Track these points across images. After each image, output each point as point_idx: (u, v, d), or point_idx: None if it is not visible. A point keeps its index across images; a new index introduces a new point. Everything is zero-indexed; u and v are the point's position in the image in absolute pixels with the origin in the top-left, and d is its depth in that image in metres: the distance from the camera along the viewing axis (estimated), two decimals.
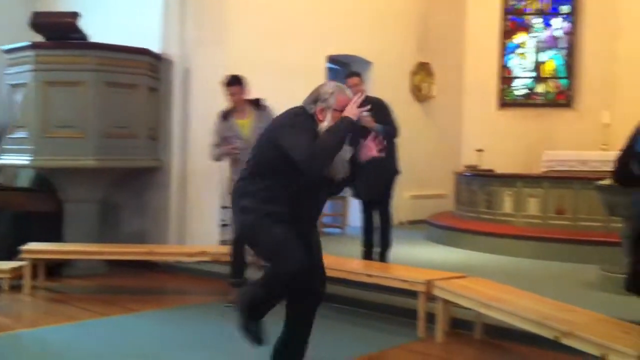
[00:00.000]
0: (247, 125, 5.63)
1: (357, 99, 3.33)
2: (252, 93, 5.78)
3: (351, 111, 3.26)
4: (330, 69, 9.75)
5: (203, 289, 6.27)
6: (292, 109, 3.45)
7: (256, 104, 5.74)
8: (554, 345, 3.70)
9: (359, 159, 3.45)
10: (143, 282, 6.52)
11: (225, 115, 5.70)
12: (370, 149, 3.43)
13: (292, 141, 3.21)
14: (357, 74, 6.38)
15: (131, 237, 7.16)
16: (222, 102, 5.81)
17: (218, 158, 5.77)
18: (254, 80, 8.01)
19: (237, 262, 5.59)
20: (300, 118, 3.32)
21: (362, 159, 3.45)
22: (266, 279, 3.30)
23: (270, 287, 3.29)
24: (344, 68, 9.85)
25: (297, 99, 3.48)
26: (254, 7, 8.14)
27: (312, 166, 3.18)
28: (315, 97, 3.37)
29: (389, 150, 5.86)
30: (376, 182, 5.71)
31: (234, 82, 5.66)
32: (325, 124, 3.31)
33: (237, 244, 5.56)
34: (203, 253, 6.07)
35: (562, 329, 3.53)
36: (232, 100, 5.68)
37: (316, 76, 9.12)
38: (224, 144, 5.62)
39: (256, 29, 8.10)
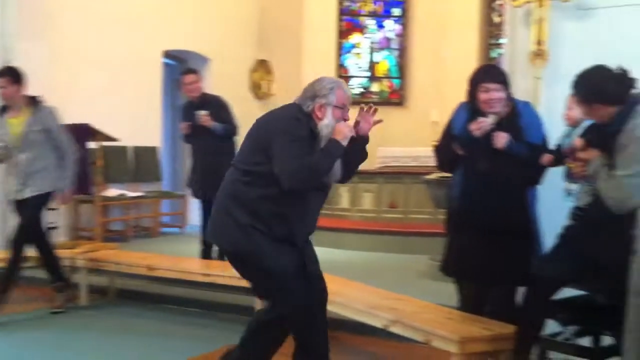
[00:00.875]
0: (17, 124, 5.12)
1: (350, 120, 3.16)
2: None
3: (341, 133, 3.10)
4: (166, 65, 9.53)
5: (28, 296, 5.85)
6: (287, 108, 3.20)
7: (33, 102, 5.21)
8: (385, 333, 3.84)
9: (360, 134, 3.25)
10: None
11: (1, 111, 5.24)
12: (368, 122, 3.26)
13: (282, 152, 2.99)
14: (194, 71, 6.28)
15: None
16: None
17: None
18: (83, 75, 7.66)
19: (52, 264, 5.29)
20: (296, 123, 3.08)
21: (362, 133, 3.26)
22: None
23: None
24: (181, 64, 9.67)
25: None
26: None
27: (293, 184, 3.00)
28: (313, 94, 3.15)
29: (228, 148, 5.83)
30: (214, 180, 5.63)
31: (1, 74, 5.12)
32: (325, 121, 3.12)
33: (42, 244, 5.21)
34: (27, 258, 5.65)
35: (390, 318, 3.68)
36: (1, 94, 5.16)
37: (151, 71, 8.89)
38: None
39: (85, 21, 7.72)
